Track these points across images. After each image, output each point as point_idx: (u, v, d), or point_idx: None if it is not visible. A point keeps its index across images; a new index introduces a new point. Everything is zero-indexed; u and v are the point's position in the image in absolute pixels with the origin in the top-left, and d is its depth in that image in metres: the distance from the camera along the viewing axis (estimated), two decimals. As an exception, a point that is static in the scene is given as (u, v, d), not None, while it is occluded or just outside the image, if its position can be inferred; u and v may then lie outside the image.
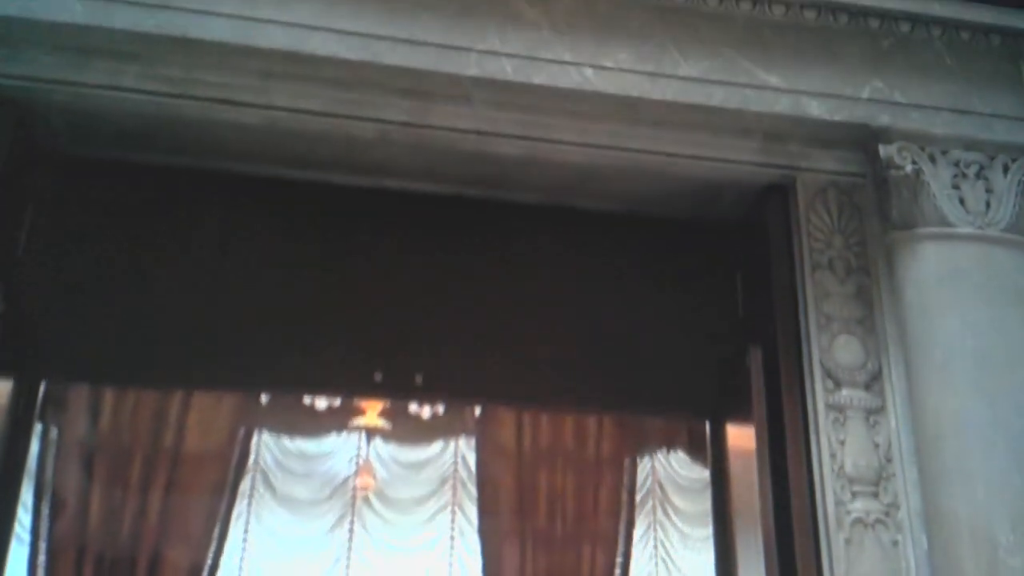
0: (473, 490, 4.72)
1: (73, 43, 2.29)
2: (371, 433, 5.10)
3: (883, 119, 2.64)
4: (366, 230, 2.67)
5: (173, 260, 2.55)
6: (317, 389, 3.77)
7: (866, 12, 2.73)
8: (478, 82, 2.46)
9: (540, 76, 2.49)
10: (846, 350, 2.47)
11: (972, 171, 2.64)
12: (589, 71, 2.53)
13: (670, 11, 2.64)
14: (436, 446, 5.21)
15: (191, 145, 2.53)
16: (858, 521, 2.38)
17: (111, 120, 2.42)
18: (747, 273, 2.75)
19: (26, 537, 3.79)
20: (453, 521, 5.19)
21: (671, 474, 5.06)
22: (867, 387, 2.46)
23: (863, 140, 2.65)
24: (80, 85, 2.30)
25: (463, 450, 5.13)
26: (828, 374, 2.44)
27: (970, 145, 2.66)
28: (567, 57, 2.53)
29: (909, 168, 2.59)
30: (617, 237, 2.78)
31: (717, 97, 2.58)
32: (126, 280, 2.52)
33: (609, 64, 2.55)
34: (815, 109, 2.62)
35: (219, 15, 2.34)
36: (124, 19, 2.28)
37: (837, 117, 2.62)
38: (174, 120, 2.42)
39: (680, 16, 2.65)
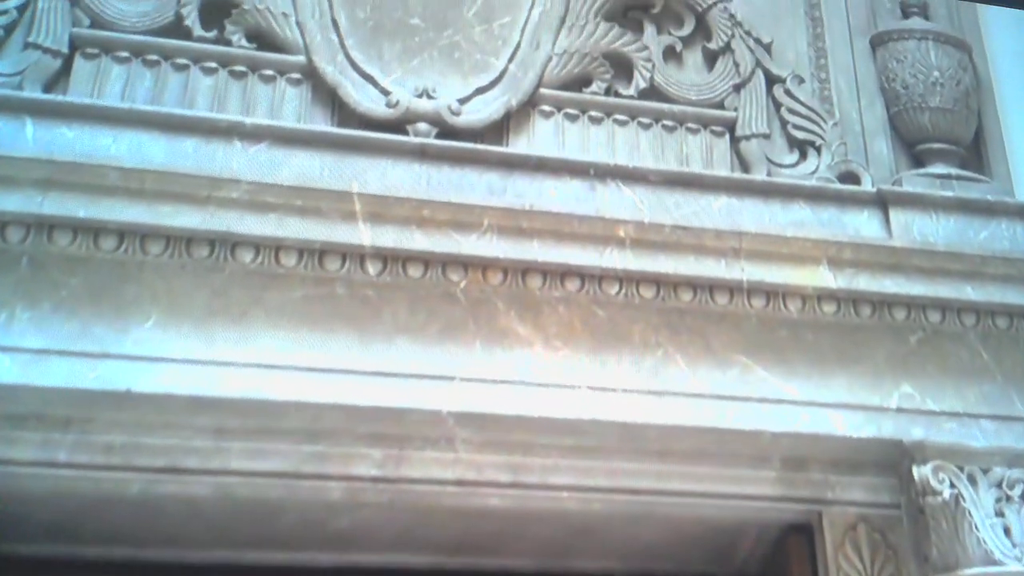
0: None
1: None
2: None
3: (915, 432, 2.36)
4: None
5: None
6: None
7: (891, 302, 2.46)
8: (461, 418, 2.18)
9: (532, 406, 2.21)
10: None
11: (1017, 492, 2.35)
12: (587, 394, 2.26)
13: (675, 314, 2.38)
14: None
15: (131, 530, 2.23)
16: None
17: (41, 505, 2.13)
18: (771, 641, 2.46)
19: None
20: None
21: None
22: None
23: (894, 460, 2.36)
24: (9, 463, 2.02)
25: None
26: None
27: (1013, 460, 2.38)
28: (563, 380, 2.26)
29: (947, 493, 2.30)
30: (621, 605, 2.50)
31: (730, 417, 2.30)
32: None
33: (610, 385, 2.28)
34: (839, 425, 2.34)
35: (170, 360, 2.07)
36: (59, 375, 2.00)
37: (864, 434, 2.34)
38: (113, 500, 2.12)
39: (687, 320, 2.38)
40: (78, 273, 2.10)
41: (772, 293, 2.42)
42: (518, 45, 2.55)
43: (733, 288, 2.40)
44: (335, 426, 2.14)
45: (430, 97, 2.45)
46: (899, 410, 2.38)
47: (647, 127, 2.60)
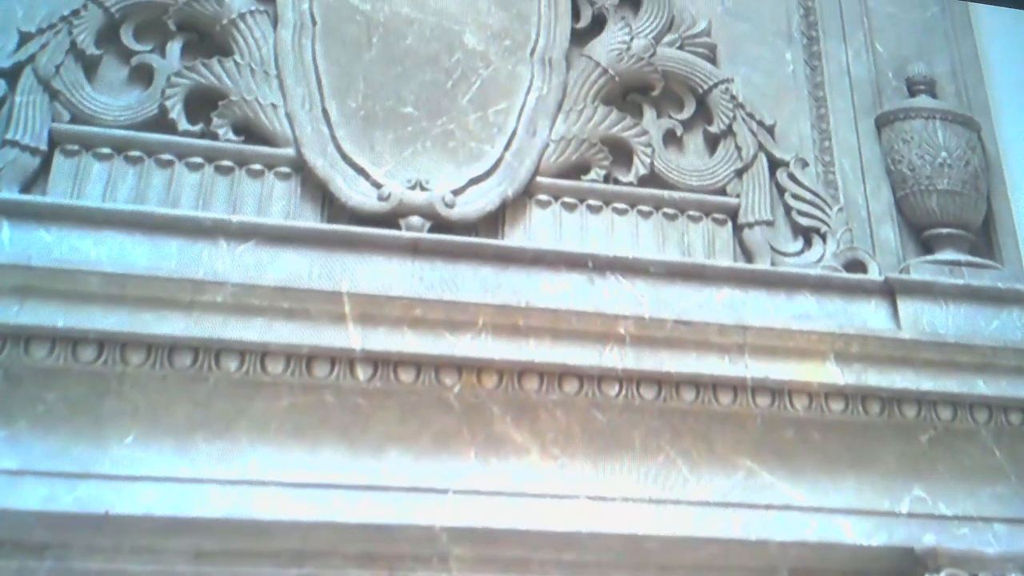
0: None
1: (-32, 536, 1.93)
2: None
3: (927, 539, 2.27)
4: None
5: None
6: None
7: (900, 398, 2.37)
8: (455, 534, 2.10)
9: (529, 518, 2.13)
10: None
11: (1034, 604, 2.28)
12: (586, 504, 2.18)
13: (677, 415, 2.29)
14: None
15: None
16: None
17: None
18: None
19: None
20: None
21: None
22: None
23: (905, 569, 2.27)
24: (-14, 589, 1.95)
25: None
26: None
27: (1028, 567, 2.30)
28: (561, 489, 2.17)
29: (961, 604, 2.23)
30: None
31: (735, 526, 2.22)
32: None
33: (609, 494, 2.19)
34: (849, 533, 2.25)
35: (150, 479, 1.98)
36: (36, 498, 1.91)
37: (875, 542, 2.25)
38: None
39: (689, 421, 2.30)
40: (55, 387, 2.01)
41: (778, 391, 2.33)
42: (514, 132, 2.47)
43: (737, 386, 2.31)
44: (322, 546, 2.06)
45: (423, 189, 2.36)
46: (910, 515, 2.30)
47: (647, 215, 2.52)
